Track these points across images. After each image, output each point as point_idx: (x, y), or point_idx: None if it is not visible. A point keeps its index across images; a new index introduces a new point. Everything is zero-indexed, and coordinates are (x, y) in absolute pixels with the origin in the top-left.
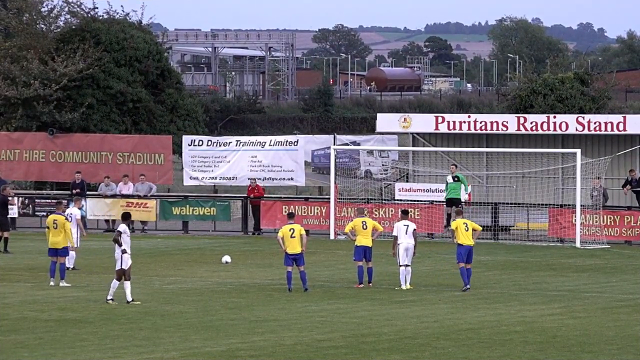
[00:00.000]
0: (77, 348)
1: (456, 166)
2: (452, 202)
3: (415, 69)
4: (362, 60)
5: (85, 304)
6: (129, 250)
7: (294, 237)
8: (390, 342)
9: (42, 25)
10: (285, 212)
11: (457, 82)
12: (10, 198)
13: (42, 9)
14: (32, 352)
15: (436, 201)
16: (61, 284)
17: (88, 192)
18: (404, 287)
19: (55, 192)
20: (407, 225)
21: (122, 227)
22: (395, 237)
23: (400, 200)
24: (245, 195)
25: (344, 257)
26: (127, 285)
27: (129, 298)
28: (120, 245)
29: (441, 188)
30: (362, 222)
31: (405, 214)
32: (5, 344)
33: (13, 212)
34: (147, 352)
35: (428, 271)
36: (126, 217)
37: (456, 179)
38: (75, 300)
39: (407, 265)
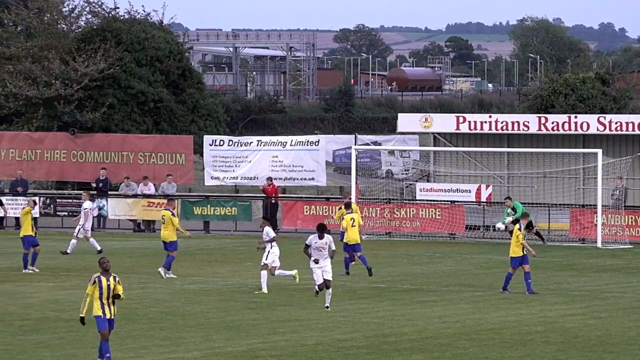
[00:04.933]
0: (96, 348)
1: (510, 199)
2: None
3: (436, 69)
4: (383, 60)
5: None
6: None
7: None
8: (411, 342)
9: (63, 25)
10: (307, 212)
11: (478, 82)
12: None
13: (63, 9)
14: (53, 352)
15: (457, 201)
16: (167, 276)
17: (109, 192)
18: (265, 290)
19: (76, 191)
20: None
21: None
22: (273, 238)
23: (422, 200)
24: (267, 195)
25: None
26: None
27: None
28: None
29: (462, 188)
30: (351, 218)
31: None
32: (26, 344)
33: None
34: (169, 352)
35: (449, 271)
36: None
37: (513, 211)
38: None
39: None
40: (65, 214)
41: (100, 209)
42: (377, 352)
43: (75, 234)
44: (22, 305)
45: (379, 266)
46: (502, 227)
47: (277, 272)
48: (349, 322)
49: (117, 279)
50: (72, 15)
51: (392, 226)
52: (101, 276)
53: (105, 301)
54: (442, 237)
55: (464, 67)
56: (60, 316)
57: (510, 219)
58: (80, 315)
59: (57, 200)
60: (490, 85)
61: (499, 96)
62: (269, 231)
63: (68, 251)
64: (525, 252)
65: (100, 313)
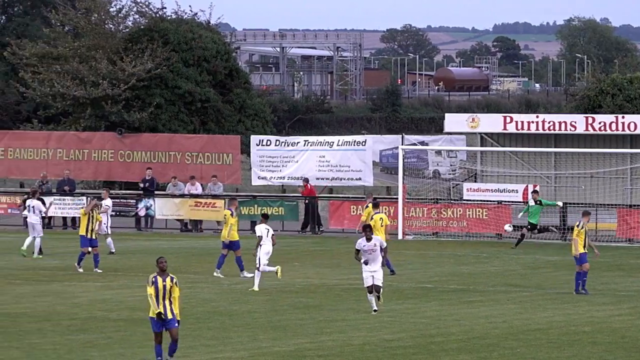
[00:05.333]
0: (146, 347)
1: (537, 192)
2: (532, 225)
3: (484, 69)
4: (430, 60)
5: None
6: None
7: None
8: (458, 343)
9: (111, 25)
10: (354, 212)
11: (525, 82)
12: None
13: (111, 9)
14: (101, 351)
15: (504, 201)
16: (242, 275)
17: (156, 192)
18: (256, 288)
19: (123, 191)
20: (268, 229)
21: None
22: (260, 237)
23: (469, 200)
24: (314, 195)
25: (412, 257)
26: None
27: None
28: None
29: (509, 188)
30: (380, 218)
31: (265, 217)
32: (74, 344)
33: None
34: (216, 351)
35: (496, 271)
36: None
37: (539, 202)
38: (144, 300)
39: (258, 269)
40: (113, 213)
41: (147, 208)
42: (424, 352)
43: (105, 233)
44: (69, 305)
45: (426, 266)
46: (510, 229)
47: (261, 268)
48: (396, 322)
49: (174, 280)
50: (120, 15)
51: (439, 226)
52: (158, 276)
53: (161, 302)
54: (489, 237)
55: (511, 67)
56: (108, 316)
57: (521, 214)
58: (155, 312)
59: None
60: (537, 85)
61: (546, 96)
62: (256, 230)
63: (112, 250)
64: (587, 250)
65: (154, 315)
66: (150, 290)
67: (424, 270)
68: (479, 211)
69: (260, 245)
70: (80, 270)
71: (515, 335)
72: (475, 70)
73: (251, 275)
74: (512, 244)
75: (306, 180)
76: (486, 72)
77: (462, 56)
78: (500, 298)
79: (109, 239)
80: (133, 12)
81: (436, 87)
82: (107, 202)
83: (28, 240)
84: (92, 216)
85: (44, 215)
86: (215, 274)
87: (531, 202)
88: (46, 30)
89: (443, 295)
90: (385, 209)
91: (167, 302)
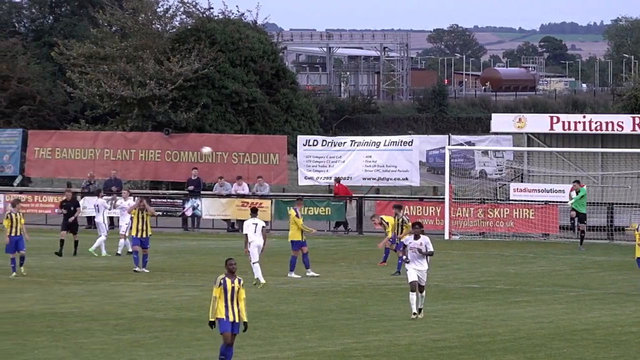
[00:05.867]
0: (193, 347)
1: (579, 182)
2: (582, 215)
3: (530, 69)
4: (476, 60)
5: (202, 304)
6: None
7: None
8: (504, 343)
9: (158, 25)
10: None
11: (572, 82)
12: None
13: (158, 9)
14: (148, 351)
15: (551, 201)
16: (308, 274)
17: (203, 192)
18: (262, 280)
19: (170, 191)
20: (256, 224)
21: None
22: (246, 235)
23: (515, 200)
24: (362, 195)
25: (459, 257)
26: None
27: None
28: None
29: (556, 188)
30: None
31: (254, 212)
32: (121, 343)
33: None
34: (263, 351)
35: (543, 271)
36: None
37: (578, 192)
38: (191, 300)
39: (256, 263)
40: (160, 213)
41: (194, 208)
42: (471, 352)
43: (124, 232)
44: (117, 305)
45: (473, 267)
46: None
47: (253, 259)
48: (442, 322)
49: (241, 282)
50: (167, 15)
51: (485, 226)
52: (227, 278)
53: (229, 303)
54: (536, 237)
55: (557, 67)
56: (155, 315)
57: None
58: (210, 320)
59: (152, 200)
60: (584, 85)
61: (592, 96)
62: (244, 227)
63: (119, 252)
64: None
65: (223, 316)
66: (217, 292)
67: (470, 271)
68: (525, 211)
69: (250, 243)
70: (138, 269)
71: (561, 336)
72: (522, 70)
73: (317, 274)
74: (561, 244)
75: (337, 180)
76: (533, 72)
77: (509, 56)
78: (546, 298)
79: (122, 241)
80: (180, 12)
81: (483, 87)
82: (127, 203)
83: (98, 242)
84: (142, 216)
85: (109, 210)
86: (308, 274)
87: (573, 194)
88: (93, 30)
89: (489, 296)
90: (432, 209)
91: (235, 305)
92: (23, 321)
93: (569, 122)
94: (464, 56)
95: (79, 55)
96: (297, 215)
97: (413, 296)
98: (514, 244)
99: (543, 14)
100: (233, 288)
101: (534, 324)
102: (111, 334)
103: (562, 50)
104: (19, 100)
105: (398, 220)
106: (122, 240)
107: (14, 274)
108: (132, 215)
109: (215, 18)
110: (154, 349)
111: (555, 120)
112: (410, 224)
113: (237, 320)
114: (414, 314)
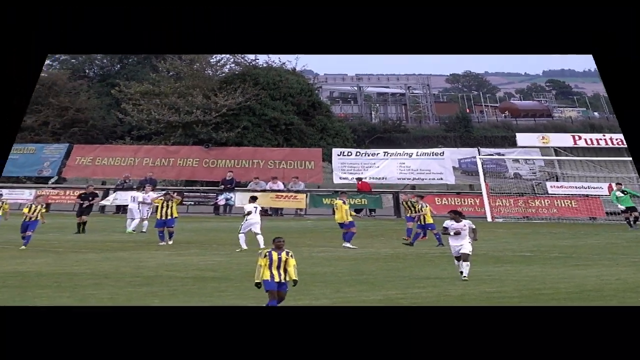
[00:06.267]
0: (215, 297)
1: (621, 184)
2: (630, 208)
3: (543, 101)
4: (492, 96)
5: (228, 266)
6: None
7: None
8: (569, 294)
9: (209, 72)
10: (438, 203)
11: (584, 110)
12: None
13: (211, 60)
14: (163, 300)
15: (591, 195)
16: (345, 245)
17: (237, 187)
18: (244, 247)
19: (204, 187)
20: (256, 207)
21: None
22: (249, 212)
23: (554, 193)
24: (397, 190)
25: (505, 234)
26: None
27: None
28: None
29: (593, 186)
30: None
31: (253, 199)
32: (134, 295)
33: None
34: (294, 300)
35: (598, 244)
36: None
37: (625, 192)
38: (216, 264)
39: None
40: (192, 203)
41: (227, 200)
42: (532, 302)
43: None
44: (135, 267)
45: (522, 240)
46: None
47: (258, 237)
48: (496, 279)
49: (289, 253)
50: (218, 64)
51: (529, 212)
52: (272, 251)
53: (275, 270)
54: (583, 220)
55: (566, 101)
56: (175, 275)
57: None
58: (256, 281)
59: (185, 193)
60: (596, 113)
61: (607, 121)
62: (245, 207)
63: (144, 230)
64: None
65: (268, 277)
66: (262, 261)
67: (519, 243)
68: (567, 202)
69: (248, 219)
70: (163, 243)
71: (634, 290)
72: (536, 102)
73: (353, 247)
74: (613, 224)
75: (359, 178)
76: (546, 104)
77: (521, 93)
78: (608, 263)
79: (146, 222)
80: (230, 62)
81: (503, 115)
82: (147, 196)
83: (134, 224)
84: (168, 204)
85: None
86: (344, 245)
87: (618, 194)
88: (153, 75)
89: (545, 262)
90: (471, 200)
91: (281, 270)
92: (30, 278)
93: (591, 139)
94: (481, 93)
95: (135, 92)
96: (343, 203)
97: (458, 263)
98: (561, 225)
99: (544, 61)
100: (280, 258)
101: (600, 281)
102: (124, 287)
103: (567, 88)
104: (72, 124)
105: (418, 206)
106: (145, 222)
107: (23, 247)
108: (157, 204)
109: (260, 66)
110: (171, 299)
111: (577, 137)
112: (428, 210)
113: (283, 281)
114: (464, 277)
